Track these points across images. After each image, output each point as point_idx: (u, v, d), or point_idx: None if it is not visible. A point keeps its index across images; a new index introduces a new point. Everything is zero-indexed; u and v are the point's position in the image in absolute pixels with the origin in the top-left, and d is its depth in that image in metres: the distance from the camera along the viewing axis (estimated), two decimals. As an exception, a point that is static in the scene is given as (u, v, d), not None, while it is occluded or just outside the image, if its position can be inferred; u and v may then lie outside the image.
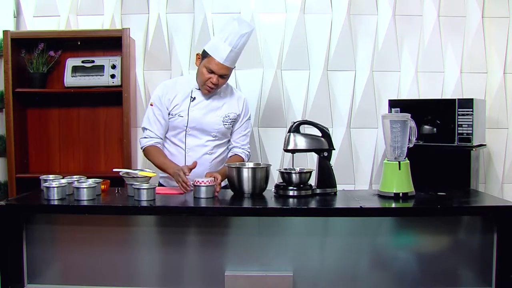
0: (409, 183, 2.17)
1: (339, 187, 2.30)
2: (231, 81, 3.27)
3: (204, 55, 2.50)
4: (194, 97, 2.58)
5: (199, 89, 2.58)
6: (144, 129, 2.63)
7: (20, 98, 3.26)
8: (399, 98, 3.35)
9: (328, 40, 3.38)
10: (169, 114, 2.59)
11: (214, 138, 2.59)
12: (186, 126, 2.56)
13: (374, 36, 3.39)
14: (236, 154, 2.65)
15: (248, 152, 2.71)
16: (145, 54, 3.43)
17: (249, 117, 2.72)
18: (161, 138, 2.62)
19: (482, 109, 3.13)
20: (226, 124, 2.60)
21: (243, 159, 2.65)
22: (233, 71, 3.36)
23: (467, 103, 2.91)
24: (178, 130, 2.58)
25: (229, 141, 2.69)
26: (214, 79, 2.47)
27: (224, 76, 2.49)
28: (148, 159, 2.63)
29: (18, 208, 2.04)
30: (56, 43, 3.30)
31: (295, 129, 2.26)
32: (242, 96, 2.72)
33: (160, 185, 2.70)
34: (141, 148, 2.64)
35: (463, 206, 2.07)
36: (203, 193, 2.11)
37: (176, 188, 2.31)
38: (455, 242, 2.08)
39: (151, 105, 2.61)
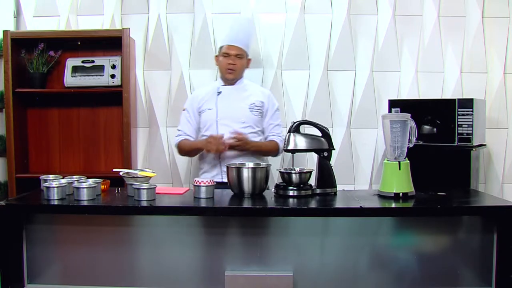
0: (409, 183, 2.17)
1: (339, 187, 2.30)
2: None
3: (219, 50, 2.92)
4: (221, 91, 2.88)
5: (224, 85, 2.90)
6: (178, 131, 2.95)
7: (20, 98, 3.26)
8: (399, 98, 3.35)
9: (328, 40, 3.38)
10: (200, 112, 2.88)
11: (244, 125, 2.81)
12: (216, 117, 2.80)
13: (374, 36, 3.39)
14: (271, 140, 2.89)
15: (282, 138, 2.89)
16: (145, 54, 3.43)
17: (277, 108, 2.97)
18: (190, 136, 2.90)
19: (482, 109, 3.13)
20: (253, 111, 2.85)
21: (277, 142, 2.88)
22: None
23: (467, 103, 2.91)
24: (210, 123, 2.83)
25: (263, 132, 2.92)
26: (230, 60, 2.84)
27: (239, 55, 2.85)
28: (181, 153, 2.95)
29: (18, 208, 2.04)
30: (56, 43, 3.30)
31: (295, 129, 2.26)
32: (266, 91, 3.04)
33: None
34: (175, 145, 2.95)
35: (463, 206, 2.07)
36: (203, 193, 2.11)
37: (176, 188, 2.32)
38: (455, 242, 2.08)
39: (184, 110, 2.95)
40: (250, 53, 2.97)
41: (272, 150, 2.89)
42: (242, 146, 2.72)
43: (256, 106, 2.86)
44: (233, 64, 2.85)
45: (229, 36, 2.92)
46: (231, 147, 2.69)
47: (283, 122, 3.35)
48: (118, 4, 3.42)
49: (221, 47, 2.92)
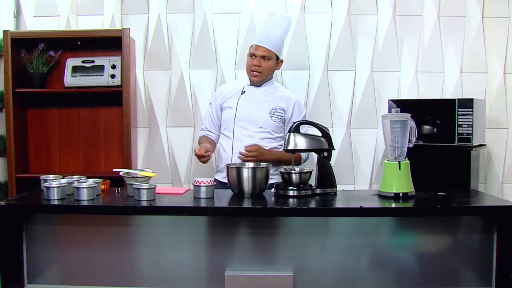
0: (409, 183, 2.17)
1: (339, 187, 2.30)
2: (231, 80, 3.29)
3: (250, 48, 2.78)
4: (245, 91, 2.77)
5: (250, 85, 2.80)
6: (202, 125, 2.92)
7: (20, 98, 3.26)
8: (399, 98, 3.35)
9: (328, 40, 3.38)
10: (222, 109, 2.80)
11: (261, 130, 2.70)
12: (235, 116, 2.71)
13: (374, 36, 3.39)
14: None
15: None
16: (145, 54, 3.43)
17: (304, 116, 2.82)
18: (212, 132, 2.84)
19: (482, 109, 3.13)
20: (273, 117, 2.72)
21: (301, 155, 2.75)
22: (234, 71, 3.40)
23: (467, 103, 2.91)
24: (228, 122, 2.75)
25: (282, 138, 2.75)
26: (255, 61, 2.71)
27: (265, 58, 2.71)
28: None
29: (18, 208, 2.04)
30: (56, 43, 3.30)
31: (295, 129, 2.26)
32: (293, 97, 2.83)
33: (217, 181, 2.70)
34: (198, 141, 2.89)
35: (463, 206, 2.07)
36: (203, 193, 2.11)
37: (176, 188, 2.32)
38: (455, 242, 2.08)
39: (209, 104, 2.91)
40: (282, 54, 2.83)
41: (294, 160, 2.60)
42: (257, 157, 2.58)
43: (277, 112, 2.73)
44: (258, 66, 2.71)
45: (258, 35, 2.80)
46: (246, 160, 2.56)
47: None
48: (118, 4, 3.42)
49: (251, 46, 2.78)
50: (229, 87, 2.90)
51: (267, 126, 2.71)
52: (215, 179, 2.74)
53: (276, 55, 2.75)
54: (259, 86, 2.79)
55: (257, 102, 2.74)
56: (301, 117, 2.78)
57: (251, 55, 2.73)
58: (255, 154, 2.59)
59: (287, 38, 3.35)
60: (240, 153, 2.61)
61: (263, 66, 2.71)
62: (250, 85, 2.80)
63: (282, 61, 2.84)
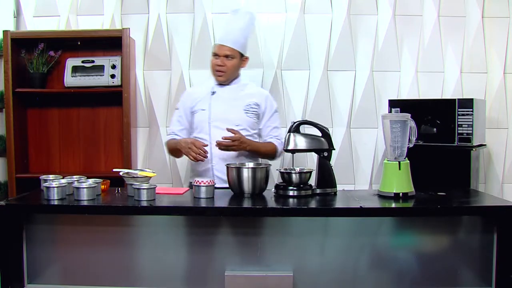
0: (409, 183, 2.17)
1: (339, 187, 2.30)
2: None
3: (212, 48, 2.75)
4: (215, 91, 2.74)
5: (218, 85, 2.76)
6: (168, 130, 2.88)
7: (20, 98, 3.26)
8: (399, 98, 3.35)
9: (328, 40, 3.38)
10: (192, 112, 2.75)
11: (238, 128, 2.63)
12: (209, 118, 2.67)
13: (374, 36, 3.39)
14: (269, 142, 2.76)
15: (282, 141, 2.72)
16: (145, 54, 3.43)
17: (276, 110, 2.82)
18: (181, 136, 2.76)
19: (482, 109, 3.13)
20: (248, 113, 2.71)
21: (276, 145, 2.75)
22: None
23: (467, 103, 2.91)
24: (202, 124, 2.70)
25: (259, 136, 2.78)
26: (219, 61, 2.68)
27: (228, 56, 2.67)
28: (169, 153, 2.89)
29: (18, 208, 2.04)
30: (56, 43, 3.29)
31: (295, 129, 2.26)
32: (264, 92, 2.89)
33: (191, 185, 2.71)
34: (164, 144, 2.86)
35: (463, 206, 2.07)
36: (203, 193, 2.11)
37: (176, 188, 2.31)
38: (455, 242, 2.08)
39: (176, 109, 2.84)
40: (248, 50, 2.78)
41: (271, 152, 2.73)
42: (238, 146, 2.54)
43: (252, 108, 2.71)
44: (221, 65, 2.67)
45: (221, 34, 2.78)
46: (226, 148, 2.53)
47: (283, 122, 3.35)
48: (118, 4, 3.42)
49: (214, 45, 2.76)
50: (197, 89, 2.87)
51: (244, 123, 2.68)
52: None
53: (240, 53, 2.71)
54: (228, 85, 2.76)
55: (230, 101, 2.71)
56: (273, 110, 2.79)
57: (215, 54, 2.69)
58: (236, 143, 2.53)
59: (288, 37, 3.37)
60: (221, 142, 2.51)
61: (227, 65, 2.68)
62: (218, 85, 2.76)
63: (247, 58, 2.78)
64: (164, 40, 3.41)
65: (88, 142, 3.43)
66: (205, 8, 3.38)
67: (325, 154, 2.25)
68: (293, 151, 2.28)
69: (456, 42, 3.37)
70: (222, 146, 2.53)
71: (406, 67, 3.39)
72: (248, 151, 2.62)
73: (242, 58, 2.75)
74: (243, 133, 2.63)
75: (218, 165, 2.64)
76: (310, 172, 2.25)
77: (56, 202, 2.02)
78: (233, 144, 2.53)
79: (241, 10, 2.84)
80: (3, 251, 1.99)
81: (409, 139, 2.22)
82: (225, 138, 2.52)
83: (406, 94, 3.38)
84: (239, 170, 2.21)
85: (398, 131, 2.19)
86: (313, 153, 2.31)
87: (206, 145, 2.57)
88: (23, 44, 3.25)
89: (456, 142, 2.92)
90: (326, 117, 3.38)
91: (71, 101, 3.40)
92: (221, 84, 2.76)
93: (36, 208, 2.07)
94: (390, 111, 3.04)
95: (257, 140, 2.75)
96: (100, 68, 3.22)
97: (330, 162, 2.26)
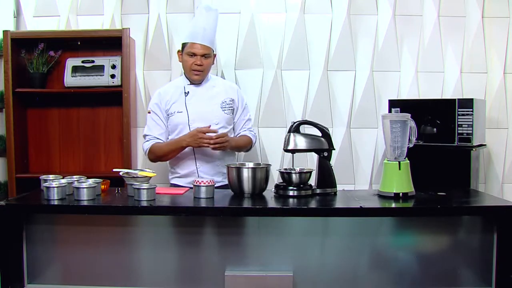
0: (409, 183, 2.17)
1: (339, 187, 2.30)
2: (231, 80, 3.29)
3: (183, 46, 2.69)
4: (188, 91, 2.70)
5: (190, 84, 2.72)
6: (145, 136, 2.75)
7: (20, 98, 3.26)
8: (399, 98, 3.35)
9: (328, 40, 3.38)
10: (168, 115, 2.69)
11: (218, 126, 2.65)
12: (188, 120, 2.64)
13: (374, 36, 3.39)
14: (244, 135, 2.80)
15: (255, 133, 2.89)
16: (145, 54, 3.43)
17: (246, 103, 2.85)
18: (161, 139, 2.70)
19: (482, 109, 3.13)
20: (225, 110, 2.71)
21: (251, 138, 2.80)
22: (233, 71, 3.40)
23: (467, 103, 2.91)
24: (181, 127, 2.66)
25: (234, 129, 2.79)
26: (198, 61, 2.64)
27: (206, 55, 2.65)
28: (155, 159, 2.73)
29: (18, 208, 2.04)
30: (56, 43, 3.29)
31: (295, 129, 2.26)
32: (233, 85, 2.92)
33: (174, 185, 2.74)
34: (145, 153, 2.74)
35: (463, 206, 2.07)
36: (203, 193, 2.11)
37: (176, 188, 2.31)
38: (455, 242, 2.08)
39: (149, 112, 2.74)
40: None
41: (247, 145, 2.78)
42: (226, 147, 2.57)
43: (228, 104, 2.72)
44: (200, 65, 2.64)
45: (194, 32, 2.65)
46: (214, 148, 2.54)
47: (283, 122, 3.36)
48: (118, 4, 3.42)
49: (185, 44, 2.67)
50: (167, 91, 2.75)
51: (222, 120, 2.69)
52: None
53: (213, 50, 2.71)
54: (200, 83, 2.73)
55: (206, 99, 2.70)
56: (245, 103, 2.83)
57: (191, 54, 2.64)
58: (225, 145, 2.55)
59: (288, 37, 3.37)
60: (216, 141, 2.51)
61: (204, 64, 2.65)
62: (191, 84, 2.72)
63: (215, 55, 2.80)
64: (164, 40, 3.41)
65: (88, 142, 3.43)
66: (205, 8, 3.38)
67: (325, 154, 2.25)
68: (293, 151, 2.28)
69: (456, 42, 3.37)
70: (216, 145, 2.53)
71: (406, 67, 3.39)
72: (230, 148, 2.67)
73: (213, 55, 2.75)
74: (222, 130, 2.66)
75: (202, 166, 2.67)
76: (310, 172, 2.25)
77: (56, 202, 2.02)
78: (223, 146, 2.55)
79: (211, 7, 2.78)
80: (3, 251, 1.99)
81: (409, 139, 2.22)
82: (215, 140, 2.52)
83: (406, 94, 3.37)
84: (239, 170, 2.21)
85: (398, 131, 2.19)
86: (313, 153, 2.31)
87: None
88: (23, 44, 3.25)
89: (456, 142, 2.92)
90: (326, 117, 3.38)
91: (71, 101, 3.40)
92: (193, 83, 2.73)
93: (36, 208, 2.07)
94: (390, 111, 3.04)
95: (232, 134, 2.78)
96: (100, 68, 3.22)
97: (330, 162, 2.26)
